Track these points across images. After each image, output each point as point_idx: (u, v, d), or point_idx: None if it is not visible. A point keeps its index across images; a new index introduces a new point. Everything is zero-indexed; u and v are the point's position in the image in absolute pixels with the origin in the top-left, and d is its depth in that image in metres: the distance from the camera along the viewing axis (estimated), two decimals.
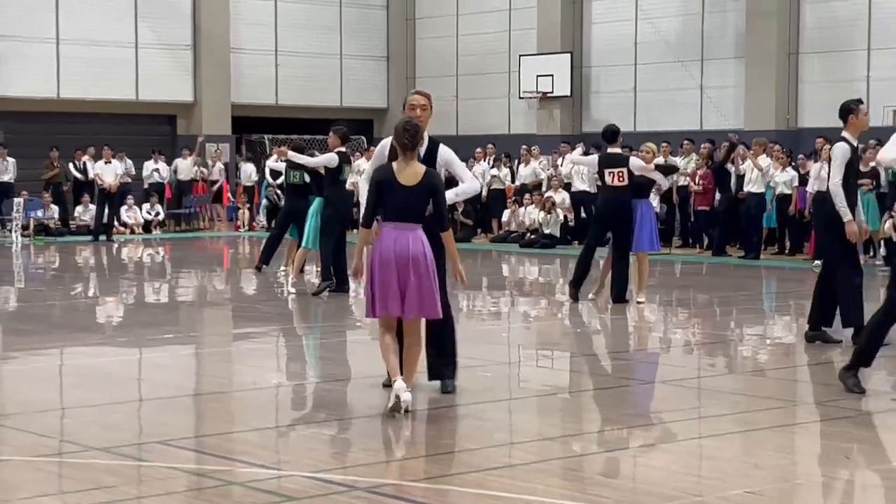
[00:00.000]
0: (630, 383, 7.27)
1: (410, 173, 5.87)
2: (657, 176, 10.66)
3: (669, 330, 9.80)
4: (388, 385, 6.19)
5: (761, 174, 15.80)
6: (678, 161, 17.14)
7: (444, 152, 6.34)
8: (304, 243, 11.61)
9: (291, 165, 12.35)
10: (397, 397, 5.80)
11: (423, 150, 6.18)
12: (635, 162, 10.40)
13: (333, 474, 4.86)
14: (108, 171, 19.03)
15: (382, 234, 5.91)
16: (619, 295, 10.46)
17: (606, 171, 10.42)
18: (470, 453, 5.36)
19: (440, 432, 5.83)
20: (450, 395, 6.39)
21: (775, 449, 5.41)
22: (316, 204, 11.46)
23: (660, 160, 12.86)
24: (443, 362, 6.46)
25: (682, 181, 17.30)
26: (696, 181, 16.90)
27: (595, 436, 5.78)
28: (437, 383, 6.48)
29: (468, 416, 6.12)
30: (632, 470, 5.15)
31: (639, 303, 10.48)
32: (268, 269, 13.41)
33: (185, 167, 21.42)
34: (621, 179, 10.29)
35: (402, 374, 5.87)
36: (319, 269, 11.58)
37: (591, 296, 10.78)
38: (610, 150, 10.52)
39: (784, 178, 15.80)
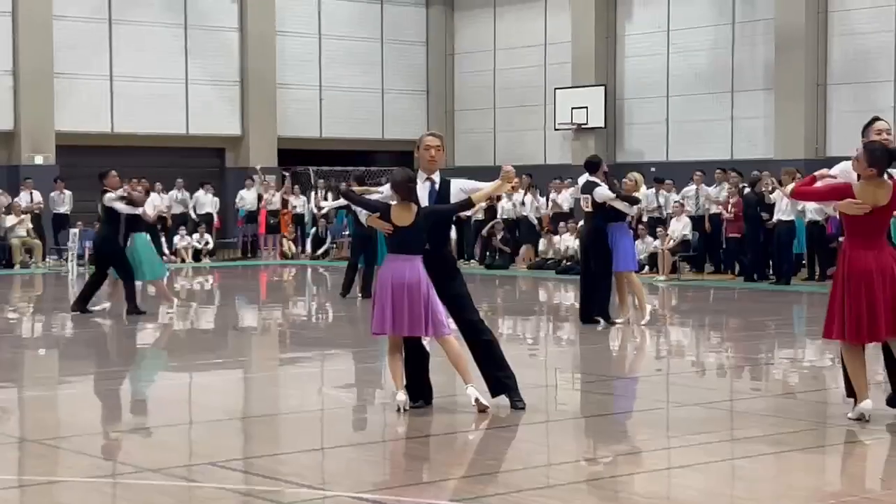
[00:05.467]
0: (664, 405, 7.35)
1: (405, 217, 6.56)
2: (621, 206, 11.06)
3: (703, 353, 9.90)
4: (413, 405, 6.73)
5: (791, 202, 15.86)
6: (710, 190, 17.57)
7: (455, 185, 6.79)
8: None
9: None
10: (398, 402, 6.62)
11: (437, 186, 6.71)
12: (599, 191, 10.85)
13: (378, 494, 4.96)
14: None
15: (385, 264, 6.71)
16: (602, 314, 10.79)
17: (582, 198, 11.17)
18: (510, 474, 5.47)
19: (481, 453, 5.97)
20: (487, 417, 6.52)
21: (808, 470, 5.48)
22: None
23: (644, 191, 13.27)
24: (504, 374, 6.74)
25: (714, 209, 17.46)
26: (728, 209, 17.05)
27: (631, 456, 5.85)
28: (501, 398, 6.73)
29: (508, 438, 6.26)
30: (667, 490, 5.20)
31: (617, 323, 10.75)
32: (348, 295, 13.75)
33: (250, 198, 21.86)
34: (587, 206, 10.98)
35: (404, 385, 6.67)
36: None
37: (619, 320, 10.97)
38: (588, 178, 11.02)
39: (814, 206, 15.84)
